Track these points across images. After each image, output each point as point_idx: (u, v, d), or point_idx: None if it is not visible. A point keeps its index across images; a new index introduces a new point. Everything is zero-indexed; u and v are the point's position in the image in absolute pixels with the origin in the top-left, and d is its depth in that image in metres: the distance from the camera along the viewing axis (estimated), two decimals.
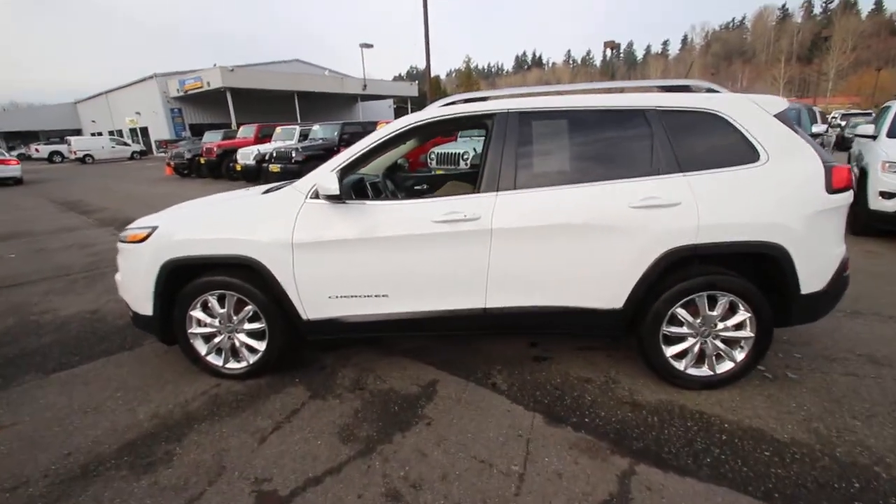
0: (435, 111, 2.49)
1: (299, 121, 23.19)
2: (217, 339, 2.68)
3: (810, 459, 1.99)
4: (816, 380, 2.60)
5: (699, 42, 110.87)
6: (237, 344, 2.68)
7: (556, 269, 2.38)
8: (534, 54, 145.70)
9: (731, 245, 2.27)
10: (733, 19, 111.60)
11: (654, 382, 2.57)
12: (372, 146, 2.49)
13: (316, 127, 13.92)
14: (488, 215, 2.33)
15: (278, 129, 15.21)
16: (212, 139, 17.01)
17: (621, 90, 2.61)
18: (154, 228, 2.59)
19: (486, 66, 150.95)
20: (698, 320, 2.42)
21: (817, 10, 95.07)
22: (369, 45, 31.29)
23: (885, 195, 5.11)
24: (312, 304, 2.51)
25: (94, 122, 45.74)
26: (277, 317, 2.57)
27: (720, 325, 2.42)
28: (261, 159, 12.92)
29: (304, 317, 2.54)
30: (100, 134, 39.68)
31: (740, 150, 2.33)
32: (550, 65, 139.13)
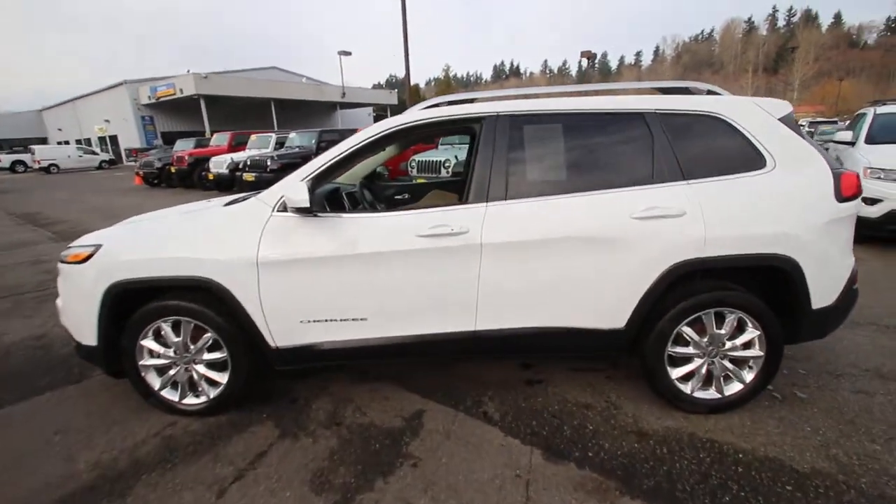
0: (416, 114, 2.26)
1: (276, 129, 22.70)
2: (172, 372, 2.37)
3: (835, 493, 1.81)
4: (826, 399, 2.45)
5: (670, 53, 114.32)
6: (195, 376, 2.37)
7: (552, 287, 2.16)
8: (511, 64, 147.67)
9: (741, 258, 2.09)
10: (702, 31, 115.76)
11: (659, 407, 2.38)
12: (347, 153, 2.24)
13: (292, 135, 13.55)
14: (477, 229, 2.10)
15: (253, 137, 14.76)
16: (183, 147, 16.42)
17: (617, 93, 2.43)
18: (97, 247, 2.28)
19: (464, 76, 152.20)
20: (705, 339, 2.24)
21: (781, 22, 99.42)
22: (348, 53, 31.04)
23: (868, 201, 5.11)
24: (281, 330, 2.23)
25: (60, 130, 44.14)
26: (241, 345, 2.27)
27: (728, 344, 2.24)
28: (234, 168, 12.47)
29: (272, 344, 2.25)
30: (67, 143, 38.25)
31: (746, 156, 2.17)
32: (528, 74, 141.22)
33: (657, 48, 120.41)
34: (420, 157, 9.40)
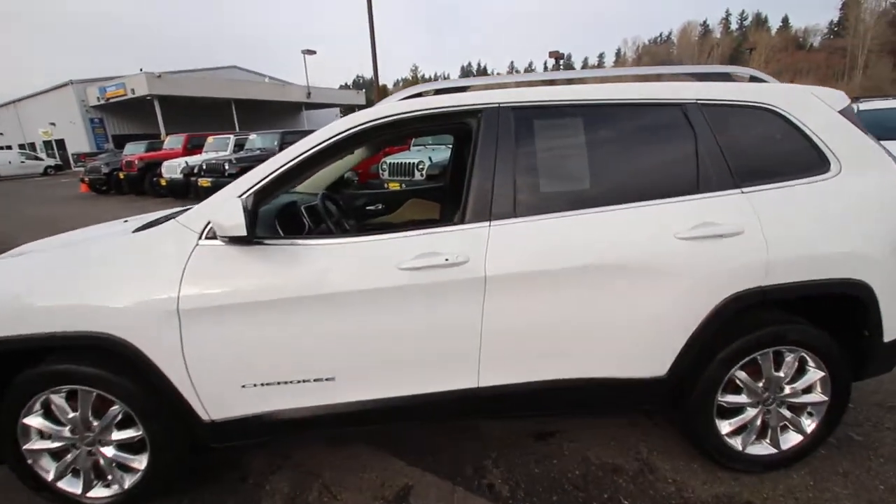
0: (394, 107, 1.72)
1: (237, 131, 21.52)
2: (71, 456, 1.75)
3: None
4: (888, 443, 2.06)
5: (631, 55, 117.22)
6: (103, 461, 1.76)
7: (577, 329, 1.68)
8: (479, 65, 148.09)
9: (810, 286, 1.67)
10: (661, 34, 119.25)
11: (702, 466, 1.93)
12: (303, 158, 1.68)
13: (253, 136, 12.66)
14: (479, 257, 1.59)
15: (210, 139, 13.75)
16: (133, 151, 15.23)
17: (646, 78, 1.96)
18: None
19: (432, 76, 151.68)
20: (760, 384, 1.80)
21: (734, 25, 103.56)
22: (312, 52, 29.96)
23: None
24: (217, 398, 1.66)
25: (1, 134, 41.04)
26: (162, 419, 1.68)
27: (787, 389, 1.82)
28: (189, 173, 11.50)
29: (204, 417, 1.67)
30: (9, 148, 35.51)
31: (805, 157, 1.75)
32: (495, 75, 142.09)
33: (619, 50, 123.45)
34: (392, 160, 8.82)
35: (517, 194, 1.65)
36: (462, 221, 1.65)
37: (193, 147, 14.25)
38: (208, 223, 1.58)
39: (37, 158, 29.94)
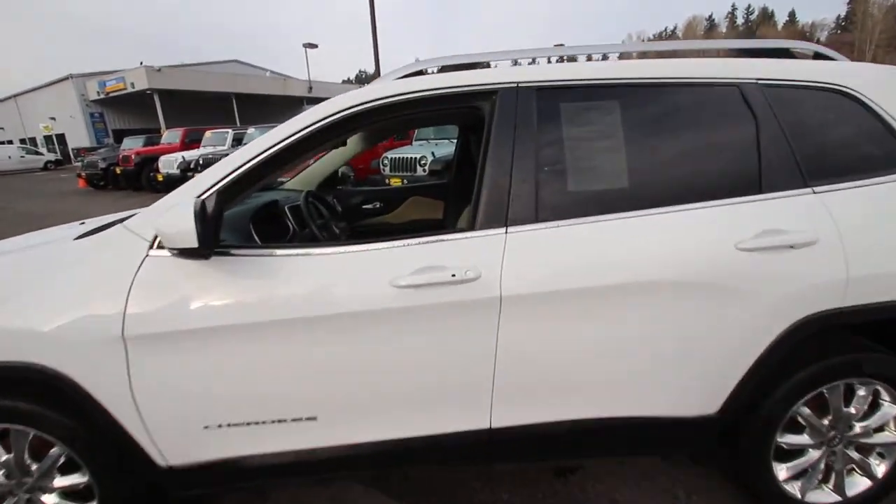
0: (391, 87, 1.41)
1: (238, 125, 21.18)
2: None
3: None
4: None
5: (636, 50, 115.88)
6: None
7: (611, 360, 1.38)
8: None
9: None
10: (665, 28, 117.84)
11: None
12: (277, 150, 1.36)
13: (251, 130, 12.37)
14: (494, 272, 1.29)
15: (208, 134, 13.44)
16: (131, 146, 14.95)
17: (693, 55, 1.64)
18: None
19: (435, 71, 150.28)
20: (826, 422, 1.51)
21: (740, 20, 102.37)
22: (314, 46, 29.61)
23: None
24: (175, 441, 1.37)
25: (2, 129, 40.85)
26: (110, 464, 1.40)
27: (858, 427, 1.52)
28: (186, 168, 11.22)
29: (161, 463, 1.39)
30: (10, 142, 35.31)
31: (887, 151, 1.44)
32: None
33: (623, 44, 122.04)
34: (393, 154, 8.52)
35: (540, 194, 1.35)
36: (472, 227, 1.35)
37: (192, 141, 13.97)
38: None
39: (37, 153, 29.76)
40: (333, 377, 1.34)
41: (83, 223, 1.90)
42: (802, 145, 1.40)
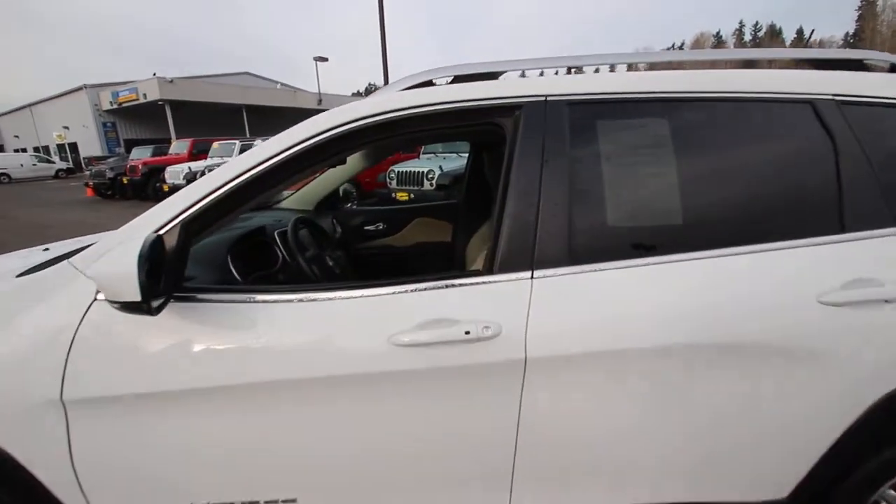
0: (392, 100, 1.18)
1: (248, 137, 21.26)
2: None
3: None
4: None
5: (643, 64, 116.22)
6: None
7: (660, 437, 1.13)
8: None
9: None
10: (673, 44, 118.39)
11: None
12: (257, 172, 1.13)
13: (259, 141, 12.26)
14: (517, 326, 1.05)
15: (215, 145, 13.41)
16: (140, 155, 15.00)
17: (747, 65, 1.41)
18: None
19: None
20: None
21: (748, 37, 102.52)
22: (324, 59, 29.88)
23: None
24: None
25: (17, 137, 41.61)
26: None
27: None
28: (192, 178, 11.14)
29: None
30: (24, 150, 35.87)
31: None
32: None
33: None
34: (400, 168, 8.35)
35: (573, 230, 1.11)
36: (490, 270, 1.11)
37: (199, 152, 13.96)
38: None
39: (48, 161, 30.13)
40: (317, 453, 1.09)
41: (47, 248, 1.69)
42: (892, 175, 1.16)
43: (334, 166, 2.17)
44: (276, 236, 1.76)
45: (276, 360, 1.05)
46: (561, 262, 1.09)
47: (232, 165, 1.14)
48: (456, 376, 1.05)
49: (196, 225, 1.11)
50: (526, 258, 1.09)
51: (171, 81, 26.66)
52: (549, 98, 1.17)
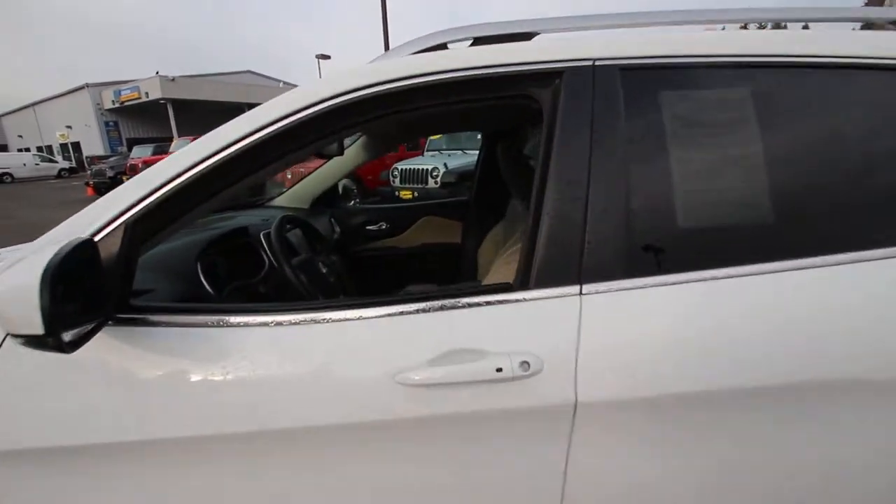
0: (397, 67, 0.92)
1: None
2: None
3: None
4: None
5: None
6: None
7: (753, 493, 0.87)
8: None
9: None
10: None
11: None
12: (219, 160, 0.87)
13: None
14: (564, 360, 0.79)
15: None
16: (140, 154, 14.88)
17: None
18: None
19: None
20: None
21: None
22: (326, 57, 29.59)
23: None
24: None
25: (20, 136, 41.73)
26: None
27: None
28: None
29: None
30: (27, 150, 35.91)
31: None
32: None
33: None
34: (403, 165, 8.09)
35: (633, 231, 0.85)
36: (525, 284, 0.85)
37: None
38: None
39: (51, 160, 30.11)
40: None
41: None
42: None
43: (328, 157, 1.91)
44: (262, 238, 1.50)
45: (242, 404, 0.80)
46: (618, 272, 0.83)
47: (193, 148, 0.89)
48: (483, 426, 0.80)
49: (147, 225, 0.85)
50: (572, 268, 0.83)
51: (174, 80, 26.55)
52: (597, 63, 0.91)
